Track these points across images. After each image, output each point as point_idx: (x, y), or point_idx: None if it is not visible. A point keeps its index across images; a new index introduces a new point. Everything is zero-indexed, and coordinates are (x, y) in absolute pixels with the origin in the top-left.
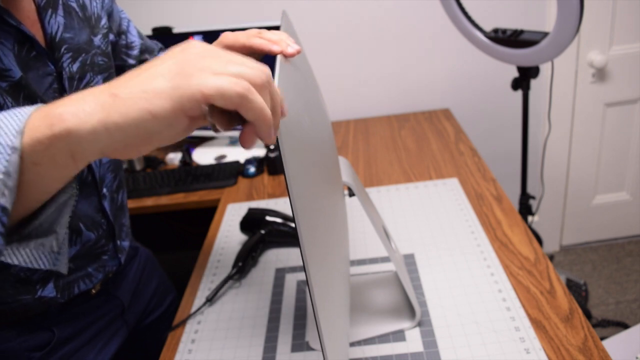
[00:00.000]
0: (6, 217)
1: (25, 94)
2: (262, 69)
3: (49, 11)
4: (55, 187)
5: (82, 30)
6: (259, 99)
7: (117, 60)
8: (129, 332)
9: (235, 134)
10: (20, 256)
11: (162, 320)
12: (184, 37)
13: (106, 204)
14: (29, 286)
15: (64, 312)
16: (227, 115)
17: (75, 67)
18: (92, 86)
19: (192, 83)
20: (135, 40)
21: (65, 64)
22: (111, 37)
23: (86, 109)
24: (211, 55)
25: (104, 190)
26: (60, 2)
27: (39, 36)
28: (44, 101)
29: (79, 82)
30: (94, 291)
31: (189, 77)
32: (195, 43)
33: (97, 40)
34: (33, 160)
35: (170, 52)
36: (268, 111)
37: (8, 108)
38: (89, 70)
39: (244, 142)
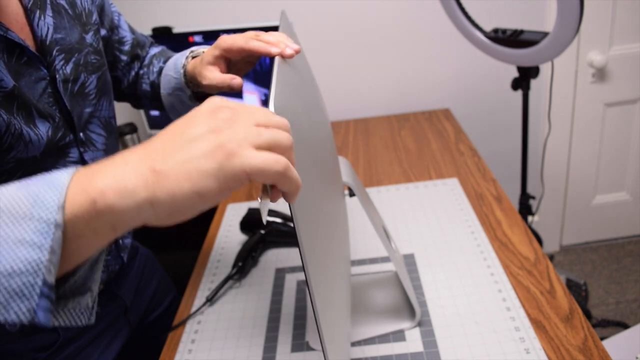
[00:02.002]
0: (54, 293)
1: (19, 103)
2: (286, 124)
3: (37, 12)
4: (92, 253)
5: (73, 28)
6: (294, 175)
7: (109, 56)
8: (132, 332)
9: None
10: (61, 318)
11: (163, 319)
12: (184, 37)
13: None
14: None
15: None
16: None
17: (68, 68)
18: (86, 87)
19: (236, 163)
20: (127, 35)
21: (58, 67)
22: (103, 32)
23: (128, 186)
24: (241, 120)
25: None
26: (48, 1)
27: (29, 40)
28: (39, 109)
29: (74, 84)
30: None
31: (231, 156)
32: (219, 103)
33: (89, 37)
34: (75, 233)
35: (199, 117)
36: (299, 181)
37: (1, 120)
38: (82, 70)
39: (273, 199)
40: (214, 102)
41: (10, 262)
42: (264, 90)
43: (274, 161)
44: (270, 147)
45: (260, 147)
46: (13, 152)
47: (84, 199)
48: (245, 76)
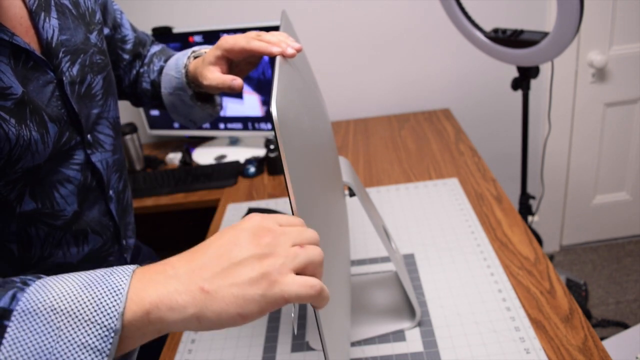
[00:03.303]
0: None
1: (30, 109)
2: (316, 239)
3: (42, 15)
4: (135, 347)
5: (78, 28)
6: (325, 294)
7: (112, 55)
8: None
9: (235, 133)
10: None
11: None
12: (184, 37)
13: (112, 207)
14: None
15: None
16: None
17: (74, 70)
18: (93, 88)
19: (277, 291)
20: (129, 34)
21: (64, 69)
22: (106, 31)
23: (180, 302)
24: (280, 244)
25: (111, 192)
26: (52, 2)
27: (34, 43)
28: (48, 113)
29: (80, 86)
30: None
31: (273, 284)
32: (260, 223)
33: (93, 37)
34: (126, 336)
35: (244, 239)
36: (329, 298)
37: (10, 133)
38: (88, 71)
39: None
40: (255, 222)
41: None
42: (265, 97)
43: (310, 287)
44: (305, 267)
45: (297, 269)
46: (21, 163)
47: (140, 309)
48: (247, 83)
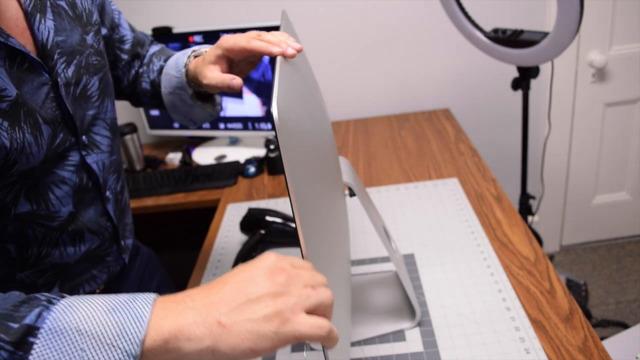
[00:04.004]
0: None
1: (25, 111)
2: (325, 281)
3: (38, 16)
4: None
5: (74, 30)
6: (335, 335)
7: (110, 55)
8: None
9: (235, 133)
10: None
11: None
12: (184, 37)
13: (110, 207)
14: (34, 291)
15: None
16: None
17: (70, 71)
18: (89, 90)
19: (289, 329)
20: (127, 34)
21: (59, 70)
22: (104, 31)
23: (197, 333)
24: (293, 284)
25: (107, 193)
26: (48, 3)
27: (29, 44)
28: (42, 115)
29: (76, 87)
30: (97, 291)
31: (286, 322)
32: (275, 263)
33: (90, 38)
34: None
35: (260, 277)
36: (338, 339)
37: (3, 137)
38: (84, 72)
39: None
40: (271, 261)
41: None
42: (265, 99)
43: (319, 328)
44: (316, 308)
45: (309, 310)
46: (16, 166)
47: (159, 337)
48: (247, 85)
